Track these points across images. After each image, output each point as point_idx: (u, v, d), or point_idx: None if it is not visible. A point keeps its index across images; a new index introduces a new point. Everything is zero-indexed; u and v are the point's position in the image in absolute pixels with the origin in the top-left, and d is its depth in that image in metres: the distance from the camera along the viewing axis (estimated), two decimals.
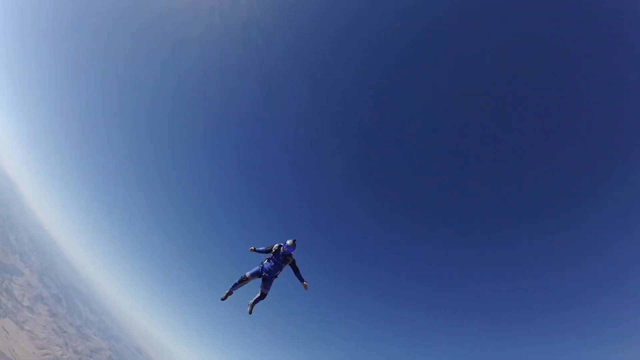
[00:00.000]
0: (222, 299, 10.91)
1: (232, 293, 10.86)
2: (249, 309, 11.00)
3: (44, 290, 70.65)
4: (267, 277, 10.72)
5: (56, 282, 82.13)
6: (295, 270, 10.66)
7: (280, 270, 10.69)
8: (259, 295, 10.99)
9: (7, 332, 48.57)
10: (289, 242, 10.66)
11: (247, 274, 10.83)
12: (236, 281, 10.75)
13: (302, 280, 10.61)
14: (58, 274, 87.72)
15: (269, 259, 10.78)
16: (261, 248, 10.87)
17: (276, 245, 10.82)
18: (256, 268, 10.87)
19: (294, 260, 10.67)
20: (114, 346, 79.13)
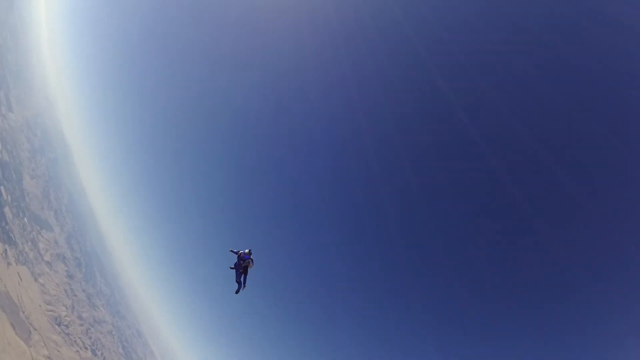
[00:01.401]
0: (236, 293, 14.24)
1: (240, 284, 14.15)
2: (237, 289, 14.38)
3: (67, 251, 72.95)
4: (237, 270, 14.11)
5: (82, 247, 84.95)
6: (244, 273, 13.87)
7: (241, 267, 13.89)
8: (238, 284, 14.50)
9: (21, 279, 49.48)
10: (246, 250, 14.19)
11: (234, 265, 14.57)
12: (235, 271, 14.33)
13: (242, 283, 13.99)
14: (86, 241, 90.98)
15: (237, 258, 14.19)
16: (235, 250, 14.37)
17: (242, 251, 14.28)
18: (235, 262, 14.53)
19: (247, 264, 13.75)
20: (117, 322, 79.08)
